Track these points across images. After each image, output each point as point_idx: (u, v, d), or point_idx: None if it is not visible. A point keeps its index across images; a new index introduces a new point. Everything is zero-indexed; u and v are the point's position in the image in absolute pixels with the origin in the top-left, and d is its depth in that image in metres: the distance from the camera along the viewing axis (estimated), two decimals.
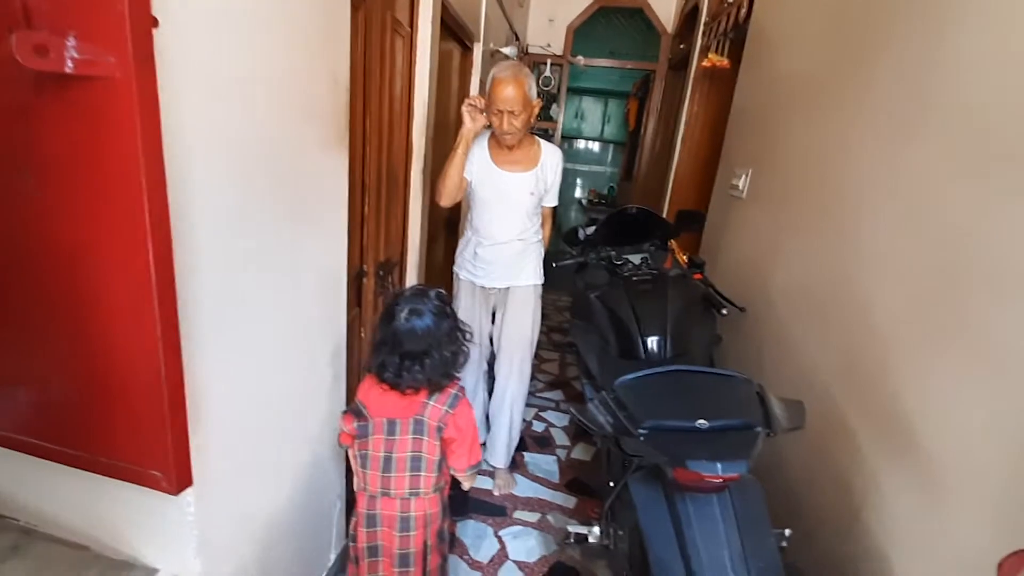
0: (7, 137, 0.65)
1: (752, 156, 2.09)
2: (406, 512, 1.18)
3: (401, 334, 1.13)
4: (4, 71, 0.60)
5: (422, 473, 1.18)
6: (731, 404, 1.09)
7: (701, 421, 1.02)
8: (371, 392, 1.19)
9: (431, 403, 1.18)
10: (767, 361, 1.77)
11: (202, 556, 0.90)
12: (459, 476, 1.26)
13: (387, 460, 1.17)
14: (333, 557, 1.52)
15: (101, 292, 0.68)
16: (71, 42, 0.57)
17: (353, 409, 1.20)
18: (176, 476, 0.74)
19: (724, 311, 1.65)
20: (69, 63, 0.57)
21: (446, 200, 1.86)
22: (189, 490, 0.80)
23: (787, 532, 1.11)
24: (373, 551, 1.20)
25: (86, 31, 0.57)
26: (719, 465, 0.92)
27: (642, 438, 1.02)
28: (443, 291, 1.23)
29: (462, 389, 1.23)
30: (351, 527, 1.24)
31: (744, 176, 2.09)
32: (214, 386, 0.87)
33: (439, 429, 1.18)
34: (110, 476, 0.77)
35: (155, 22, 0.60)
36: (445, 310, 1.19)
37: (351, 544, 1.25)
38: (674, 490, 1.04)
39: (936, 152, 1.10)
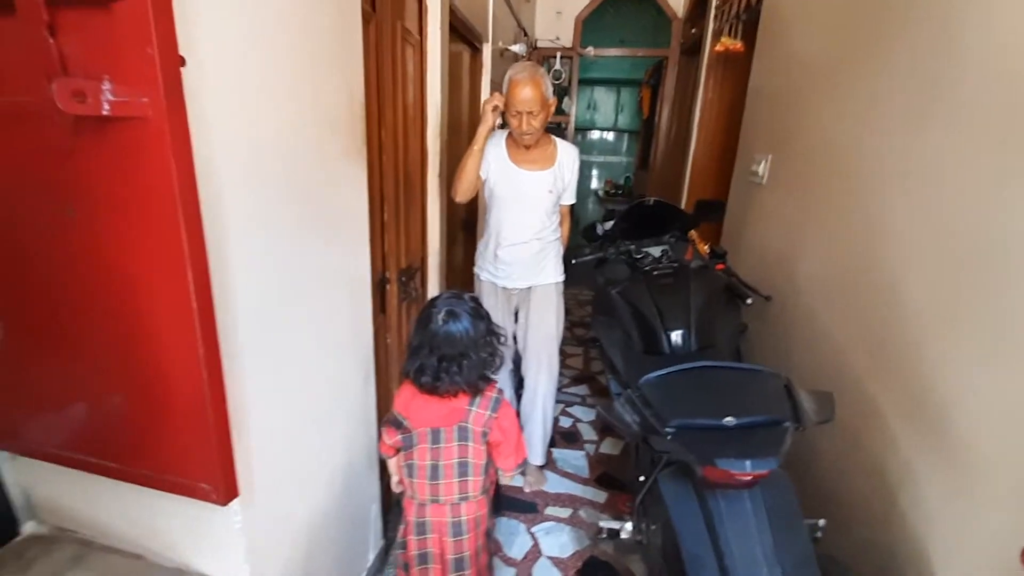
0: (51, 176, 0.69)
1: (771, 141, 2.05)
2: (457, 517, 1.21)
3: (439, 338, 1.15)
4: (46, 115, 0.64)
5: (470, 478, 1.20)
6: (758, 399, 1.09)
7: (728, 418, 1.02)
8: (412, 403, 1.20)
9: (474, 409, 1.19)
10: (795, 349, 1.74)
11: (250, 561, 0.94)
12: (505, 477, 1.29)
13: (434, 468, 1.18)
14: (372, 557, 1.57)
15: (146, 317, 0.72)
16: (106, 86, 0.60)
17: (392, 421, 1.21)
18: (224, 487, 0.77)
19: (749, 300, 1.64)
20: (106, 106, 0.61)
21: (461, 196, 1.88)
22: (236, 500, 0.84)
23: (821, 523, 1.10)
24: (423, 558, 1.23)
25: (119, 75, 0.61)
26: (748, 463, 0.92)
27: (669, 437, 1.02)
28: (476, 295, 1.25)
29: (500, 391, 1.24)
30: (399, 534, 1.27)
31: (764, 162, 2.05)
32: (253, 398, 0.91)
33: (484, 434, 1.19)
34: (163, 490, 0.81)
35: (182, 61, 0.63)
36: (480, 312, 1.21)
37: (400, 552, 1.28)
38: (704, 487, 1.04)
39: (956, 132, 1.08)
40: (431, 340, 1.15)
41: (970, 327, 1.01)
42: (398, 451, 1.23)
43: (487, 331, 1.21)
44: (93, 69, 0.62)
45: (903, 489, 1.15)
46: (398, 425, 1.20)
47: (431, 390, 1.17)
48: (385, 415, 1.23)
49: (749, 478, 0.94)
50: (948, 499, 1.04)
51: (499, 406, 1.21)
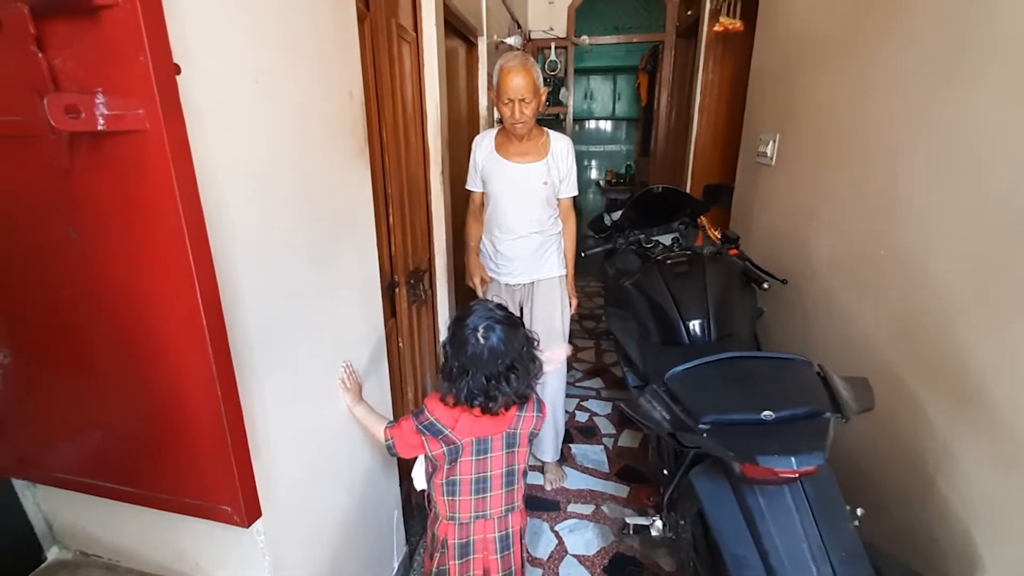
0: (51, 197, 0.66)
1: (779, 119, 2.01)
2: (504, 530, 1.16)
3: (482, 357, 1.05)
4: (41, 134, 0.61)
5: (515, 486, 1.17)
6: (795, 391, 1.04)
7: (767, 412, 0.97)
8: (460, 419, 1.11)
9: (523, 415, 1.15)
10: (814, 332, 1.71)
11: None
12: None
13: (480, 481, 1.13)
14: (396, 564, 1.55)
15: (156, 338, 0.69)
16: (100, 99, 0.58)
17: (433, 430, 1.11)
18: (246, 509, 0.75)
19: (766, 285, 1.60)
20: (101, 120, 0.58)
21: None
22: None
23: (859, 511, 1.07)
24: None
25: (113, 86, 0.58)
26: (793, 459, 0.87)
27: (704, 434, 0.98)
28: (501, 303, 1.17)
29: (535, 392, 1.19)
30: (435, 563, 1.18)
31: (772, 142, 2.01)
32: (270, 415, 0.88)
33: (532, 435, 1.17)
34: (183, 513, 0.79)
35: (178, 69, 0.60)
36: (514, 320, 1.12)
37: None
38: (743, 483, 1.00)
39: (984, 88, 1.03)
40: (474, 361, 1.05)
41: (1006, 299, 0.97)
42: (442, 466, 1.15)
43: (526, 337, 1.12)
44: (86, 82, 0.59)
45: (941, 471, 1.12)
46: (437, 433, 1.11)
47: (486, 411, 1.08)
48: (418, 421, 1.13)
49: (794, 475, 0.89)
50: (994, 478, 1.00)
51: (542, 406, 1.19)
